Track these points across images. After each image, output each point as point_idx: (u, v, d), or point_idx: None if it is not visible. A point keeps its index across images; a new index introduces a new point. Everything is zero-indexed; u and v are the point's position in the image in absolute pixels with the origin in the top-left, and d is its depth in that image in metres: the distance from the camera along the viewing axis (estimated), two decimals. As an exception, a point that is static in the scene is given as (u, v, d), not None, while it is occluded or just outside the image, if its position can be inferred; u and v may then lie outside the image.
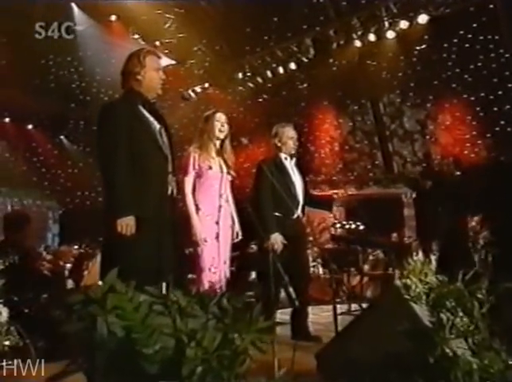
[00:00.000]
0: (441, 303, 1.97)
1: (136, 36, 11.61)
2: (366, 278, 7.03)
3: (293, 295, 2.28)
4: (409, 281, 2.03)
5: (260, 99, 12.56)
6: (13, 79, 11.57)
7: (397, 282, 2.06)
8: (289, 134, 3.84)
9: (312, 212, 13.06)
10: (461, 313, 1.90)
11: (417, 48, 10.69)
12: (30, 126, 13.53)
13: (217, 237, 3.01)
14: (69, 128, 14.54)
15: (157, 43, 11.61)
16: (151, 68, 2.79)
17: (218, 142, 3.31)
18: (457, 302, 2.00)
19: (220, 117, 3.34)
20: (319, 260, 7.42)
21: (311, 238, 12.21)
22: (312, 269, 7.43)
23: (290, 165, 3.85)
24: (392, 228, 10.01)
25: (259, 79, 11.90)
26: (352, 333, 1.99)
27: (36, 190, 14.62)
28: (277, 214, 3.41)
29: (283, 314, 4.28)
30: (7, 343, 2.49)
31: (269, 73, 11.57)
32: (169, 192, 2.73)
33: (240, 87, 12.49)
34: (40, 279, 3.22)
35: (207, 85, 12.54)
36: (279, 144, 3.83)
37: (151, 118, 2.74)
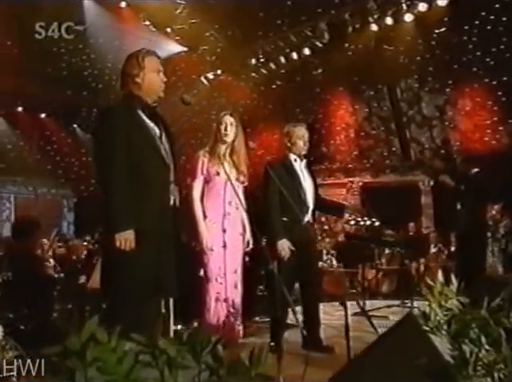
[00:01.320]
0: (464, 333, 1.79)
1: (147, 22, 11.38)
2: (381, 273, 6.85)
3: (299, 320, 2.13)
4: (427, 309, 1.85)
5: (273, 86, 12.29)
6: (26, 67, 11.50)
7: (415, 311, 1.89)
8: (300, 133, 3.64)
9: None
10: (486, 346, 1.72)
11: (436, 31, 10.28)
12: (43, 115, 13.47)
13: (224, 246, 2.85)
14: (82, 116, 14.47)
15: (168, 30, 11.39)
16: (151, 69, 2.62)
17: (225, 146, 3.13)
18: (481, 331, 1.82)
19: (226, 119, 3.16)
20: (332, 252, 7.24)
21: (326, 227, 12.11)
22: (325, 262, 7.29)
23: (300, 167, 3.66)
24: (409, 218, 9.79)
25: (272, 66, 11.62)
26: (364, 363, 1.83)
27: (50, 179, 14.65)
28: (284, 219, 3.23)
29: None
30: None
31: (282, 59, 11.28)
32: (171, 202, 2.58)
33: (253, 74, 12.23)
34: (46, 285, 3.10)
35: (219, 72, 12.30)
36: (289, 144, 3.65)
37: (151, 124, 2.58)
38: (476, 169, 4.95)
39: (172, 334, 3.91)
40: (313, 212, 3.61)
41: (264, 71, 12.01)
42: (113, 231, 2.35)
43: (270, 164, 3.60)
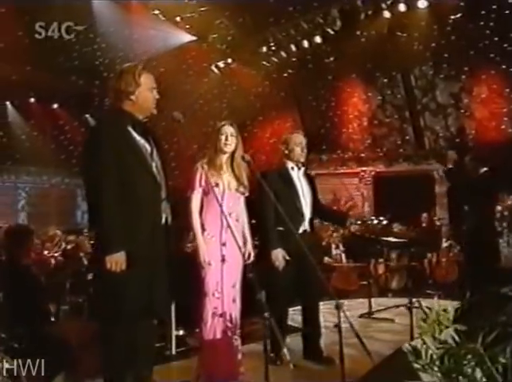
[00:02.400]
0: (458, 369, 1.73)
1: (156, 11, 11.28)
2: (390, 269, 6.77)
3: (287, 354, 2.07)
4: (419, 345, 1.78)
5: (285, 74, 12.13)
6: (37, 57, 11.50)
7: (406, 346, 1.82)
8: (297, 140, 3.58)
9: (338, 191, 12.78)
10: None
11: (452, 17, 9.99)
12: (55, 106, 13.51)
13: (223, 260, 2.81)
14: (94, 106, 14.48)
15: (178, 18, 11.27)
16: (146, 87, 2.56)
17: (225, 157, 3.06)
18: (476, 366, 1.75)
19: (226, 129, 3.06)
20: (341, 248, 7.17)
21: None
22: (334, 257, 7.23)
23: (297, 175, 3.59)
24: (422, 208, 9.64)
25: (283, 54, 11.45)
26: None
27: (64, 168, 14.75)
28: (280, 229, 3.16)
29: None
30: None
31: (293, 47, 11.10)
32: (163, 221, 2.54)
33: (264, 62, 12.07)
34: (39, 298, 3.09)
35: (230, 61, 12.17)
36: (286, 151, 3.59)
37: (142, 141, 2.53)
38: (485, 169, 4.81)
39: (173, 339, 3.92)
40: (311, 221, 3.54)
41: (275, 59, 11.84)
42: (103, 254, 2.32)
43: (266, 172, 3.56)
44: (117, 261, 2.33)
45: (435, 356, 1.80)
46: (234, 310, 2.86)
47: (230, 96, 12.57)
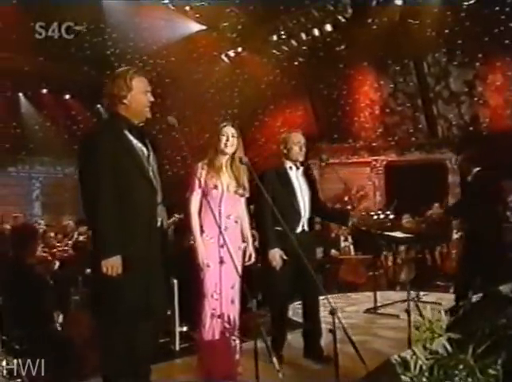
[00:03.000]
0: (448, 380, 1.72)
1: (166, 1, 11.23)
2: (399, 261, 6.74)
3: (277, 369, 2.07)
4: (408, 356, 1.77)
5: (296, 63, 12.02)
6: (49, 48, 11.55)
7: (395, 358, 1.81)
8: (295, 139, 3.55)
9: (349, 180, 12.64)
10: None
11: (466, 2, 9.77)
12: (67, 96, 13.58)
13: (221, 261, 2.81)
14: (105, 96, 14.52)
15: (187, 8, 11.21)
16: (139, 90, 2.55)
17: (226, 158, 3.05)
18: (468, 377, 1.74)
19: (227, 130, 3.05)
20: (350, 240, 7.15)
21: (349, 207, 11.96)
22: (343, 249, 7.21)
23: (296, 175, 3.57)
24: (435, 198, 9.54)
25: (294, 43, 11.33)
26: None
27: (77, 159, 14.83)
28: (277, 228, 3.15)
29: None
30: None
31: (303, 35, 10.97)
32: (158, 224, 2.56)
33: (274, 51, 11.97)
34: (43, 299, 3.14)
35: (240, 49, 12.09)
36: (285, 151, 3.57)
37: (138, 145, 2.54)
38: (477, 169, 4.73)
39: (177, 335, 3.97)
40: (310, 220, 3.53)
41: (285, 48, 11.72)
42: (99, 258, 2.35)
43: (264, 171, 3.55)
44: (113, 265, 2.36)
45: (424, 367, 1.80)
46: (233, 311, 2.88)
47: (241, 85, 12.52)
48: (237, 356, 2.90)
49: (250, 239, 3.16)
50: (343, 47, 11.25)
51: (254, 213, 3.45)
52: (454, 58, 10.87)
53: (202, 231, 2.94)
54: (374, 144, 11.95)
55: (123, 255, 2.39)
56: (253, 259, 3.11)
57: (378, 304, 5.06)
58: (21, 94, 12.97)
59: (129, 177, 2.46)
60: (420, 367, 1.78)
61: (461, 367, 1.79)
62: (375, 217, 5.35)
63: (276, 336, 3.50)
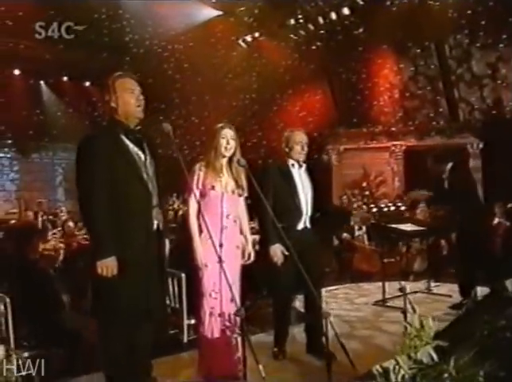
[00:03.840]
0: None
1: (182, -13, 11.17)
2: (413, 250, 6.69)
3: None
4: (391, 366, 1.78)
5: (314, 47, 11.86)
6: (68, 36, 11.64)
7: (376, 368, 1.82)
8: (297, 138, 3.55)
9: (368, 166, 12.53)
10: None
11: (489, -18, 9.47)
12: (87, 83, 13.74)
13: (219, 261, 2.85)
14: (125, 83, 14.60)
15: (205, -7, 11.14)
16: (123, 90, 2.62)
17: (224, 160, 3.07)
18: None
19: (226, 132, 3.05)
20: (363, 230, 7.12)
21: (367, 192, 11.86)
22: (357, 238, 7.19)
23: (298, 172, 3.58)
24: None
25: (311, 27, 11.18)
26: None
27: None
28: (279, 225, 3.18)
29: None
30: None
31: (320, 19, 10.82)
32: (155, 227, 2.61)
33: (291, 35, 11.83)
34: (48, 281, 3.25)
35: (257, 34, 12.00)
36: (286, 149, 3.57)
37: (135, 149, 2.59)
38: (450, 165, 4.65)
39: (185, 328, 4.05)
40: (312, 218, 3.53)
41: (303, 32, 11.58)
42: (95, 259, 2.42)
43: (267, 167, 3.56)
44: (107, 266, 2.42)
45: (407, 377, 1.81)
46: (233, 310, 2.92)
47: (259, 70, 12.44)
48: (238, 355, 2.95)
49: (250, 238, 3.19)
50: (361, 30, 11.06)
51: (255, 210, 3.47)
52: (476, 40, 10.60)
53: (200, 231, 2.98)
54: (393, 129, 11.77)
55: (119, 257, 2.45)
56: (252, 258, 3.15)
57: (389, 296, 5.04)
58: (42, 82, 13.15)
59: (125, 180, 2.52)
60: (403, 376, 1.80)
61: (445, 376, 1.80)
62: (385, 209, 5.32)
63: (278, 330, 3.56)
